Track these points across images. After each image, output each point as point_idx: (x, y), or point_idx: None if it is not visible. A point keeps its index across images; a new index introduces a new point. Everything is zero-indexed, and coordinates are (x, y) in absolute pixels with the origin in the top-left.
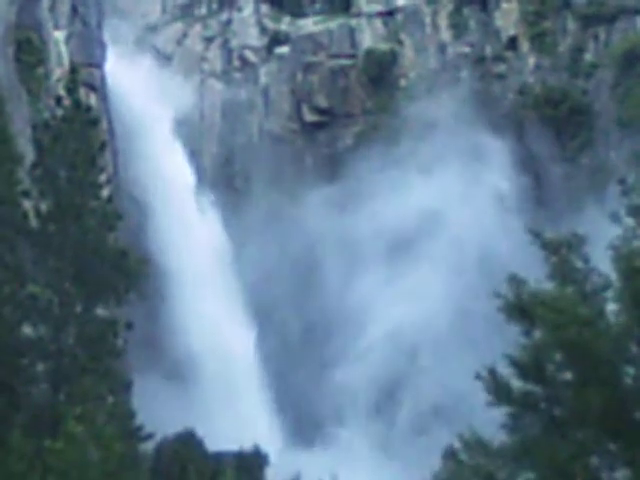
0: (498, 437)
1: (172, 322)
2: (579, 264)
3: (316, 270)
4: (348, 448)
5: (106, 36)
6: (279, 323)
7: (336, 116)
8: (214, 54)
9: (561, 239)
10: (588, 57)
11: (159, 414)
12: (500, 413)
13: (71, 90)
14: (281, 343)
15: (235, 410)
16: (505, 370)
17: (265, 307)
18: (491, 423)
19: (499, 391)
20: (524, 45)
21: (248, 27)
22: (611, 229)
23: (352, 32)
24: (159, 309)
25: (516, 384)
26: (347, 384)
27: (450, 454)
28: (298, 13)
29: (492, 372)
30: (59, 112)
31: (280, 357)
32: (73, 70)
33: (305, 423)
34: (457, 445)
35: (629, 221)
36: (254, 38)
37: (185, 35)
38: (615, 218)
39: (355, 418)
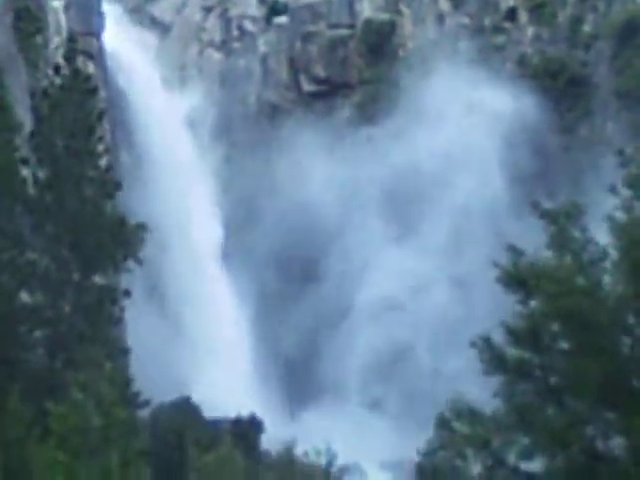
0: (490, 406)
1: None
2: (577, 234)
3: (316, 232)
4: (342, 412)
5: (104, 5)
6: (274, 282)
7: (334, 86)
8: (213, 24)
9: (559, 209)
10: (587, 28)
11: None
12: (492, 387)
13: (70, 59)
14: (275, 301)
15: (226, 372)
16: (501, 338)
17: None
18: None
19: (493, 359)
20: (523, 16)
21: None
22: (608, 200)
23: (351, 2)
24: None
25: (510, 352)
26: (343, 348)
27: (442, 422)
28: None
29: (486, 340)
30: (57, 81)
31: (272, 317)
32: (71, 39)
33: (299, 387)
34: (448, 414)
35: (627, 192)
36: (253, 8)
37: (184, 4)
38: (613, 189)
39: (351, 382)
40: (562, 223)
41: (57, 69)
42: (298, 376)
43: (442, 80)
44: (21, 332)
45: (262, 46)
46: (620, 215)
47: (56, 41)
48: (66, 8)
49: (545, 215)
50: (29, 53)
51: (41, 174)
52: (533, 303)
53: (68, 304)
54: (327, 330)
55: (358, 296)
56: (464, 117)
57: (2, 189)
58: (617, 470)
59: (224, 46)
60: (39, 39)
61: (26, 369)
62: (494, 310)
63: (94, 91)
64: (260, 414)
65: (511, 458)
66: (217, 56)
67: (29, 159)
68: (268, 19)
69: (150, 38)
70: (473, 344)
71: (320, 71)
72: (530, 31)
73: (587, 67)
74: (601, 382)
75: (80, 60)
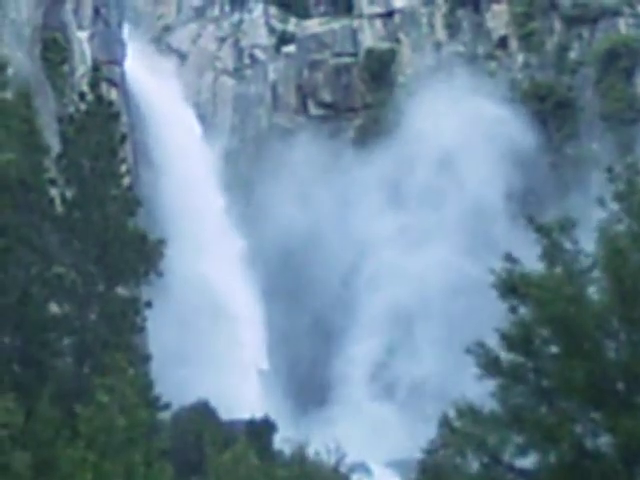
0: (488, 406)
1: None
2: (568, 246)
3: (324, 240)
4: (350, 412)
5: (125, 36)
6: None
7: (339, 110)
8: (226, 53)
9: (553, 223)
10: (573, 55)
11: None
12: (490, 384)
13: (94, 86)
14: (285, 306)
15: (240, 377)
16: (494, 343)
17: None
18: (482, 393)
19: (489, 364)
20: (513, 44)
21: (258, 28)
22: (592, 213)
23: (354, 32)
24: None
25: (504, 356)
26: (350, 350)
27: (444, 421)
28: (304, 14)
29: (482, 345)
30: (83, 106)
31: (281, 323)
32: (95, 67)
33: (308, 389)
34: (451, 413)
35: (614, 206)
36: (263, 38)
37: (199, 35)
38: (601, 203)
39: (356, 383)
40: (555, 236)
41: (82, 95)
42: (307, 379)
43: (439, 104)
44: (51, 340)
45: (272, 73)
46: (608, 227)
47: (81, 69)
48: (90, 38)
49: (539, 229)
50: (56, 81)
51: (68, 193)
52: (525, 310)
53: (94, 314)
54: (334, 334)
55: (364, 300)
56: (460, 138)
57: (32, 207)
58: (605, 466)
59: (237, 73)
60: (65, 68)
61: (55, 374)
62: (493, 316)
63: (117, 116)
64: (273, 416)
65: (506, 455)
66: (230, 82)
67: (57, 179)
68: (277, 48)
69: (168, 66)
70: (469, 350)
71: (326, 96)
72: (520, 58)
73: (573, 91)
74: (588, 384)
75: (104, 87)
